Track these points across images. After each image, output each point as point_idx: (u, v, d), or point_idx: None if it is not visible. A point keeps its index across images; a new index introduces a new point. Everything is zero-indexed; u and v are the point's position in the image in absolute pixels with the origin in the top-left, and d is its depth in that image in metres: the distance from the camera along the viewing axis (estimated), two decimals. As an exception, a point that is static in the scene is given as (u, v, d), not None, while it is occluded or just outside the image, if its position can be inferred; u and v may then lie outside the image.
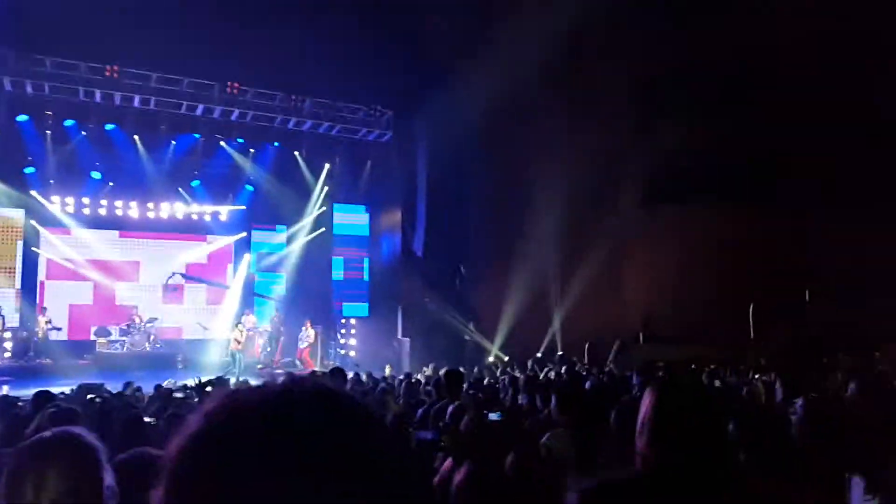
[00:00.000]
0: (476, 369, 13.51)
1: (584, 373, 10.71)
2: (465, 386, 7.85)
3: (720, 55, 13.61)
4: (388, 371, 14.18)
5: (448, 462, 2.91)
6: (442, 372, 11.44)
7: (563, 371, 11.27)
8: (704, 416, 1.70)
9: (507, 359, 14.48)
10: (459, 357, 16.11)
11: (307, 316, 17.40)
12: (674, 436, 1.63)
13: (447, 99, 15.07)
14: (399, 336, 17.85)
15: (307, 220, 18.92)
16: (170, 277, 17.81)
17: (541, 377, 9.20)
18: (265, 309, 18.45)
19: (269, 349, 17.42)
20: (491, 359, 15.24)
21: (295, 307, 18.27)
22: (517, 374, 11.61)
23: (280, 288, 19.17)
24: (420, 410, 6.56)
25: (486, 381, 10.05)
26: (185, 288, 18.51)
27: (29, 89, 14.81)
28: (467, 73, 14.59)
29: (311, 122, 17.34)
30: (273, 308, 18.28)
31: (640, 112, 14.73)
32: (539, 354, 13.34)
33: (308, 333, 17.07)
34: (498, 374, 12.60)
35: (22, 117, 15.70)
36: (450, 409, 3.52)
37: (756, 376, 8.39)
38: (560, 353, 13.04)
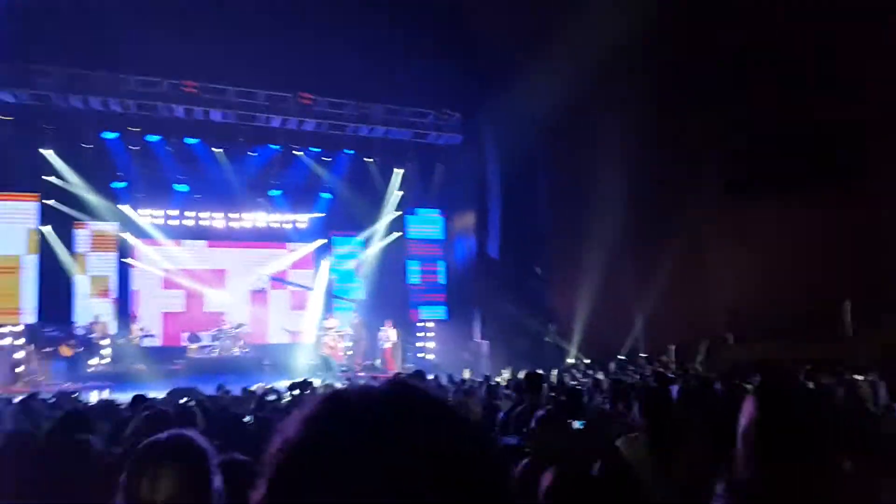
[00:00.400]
0: (556, 372, 13.31)
1: (671, 375, 10.37)
2: (545, 388, 7.72)
3: (810, 27, 12.78)
4: (466, 374, 14.16)
5: (525, 465, 2.83)
6: (521, 374, 11.38)
7: (648, 374, 10.95)
8: (813, 425, 1.56)
9: (587, 361, 14.17)
10: (538, 359, 15.89)
11: (386, 318, 17.67)
12: (781, 447, 1.51)
13: (514, 98, 14.93)
14: (477, 339, 17.80)
15: (382, 226, 19.19)
16: (259, 280, 18.29)
17: (626, 381, 8.93)
18: (344, 313, 18.78)
19: (350, 353, 17.75)
20: (571, 361, 14.97)
21: (373, 311, 18.55)
22: (599, 376, 11.37)
23: (358, 292, 19.50)
24: (502, 414, 6.49)
25: (567, 384, 9.86)
26: (269, 294, 19.10)
27: (115, 107, 15.54)
28: (533, 71, 14.39)
29: (383, 128, 17.53)
30: (353, 312, 18.58)
31: (722, 97, 14.08)
32: (621, 356, 12.98)
33: (389, 334, 17.32)
34: (579, 376, 12.38)
35: (109, 134, 16.52)
36: (537, 414, 3.43)
37: (856, 377, 7.88)
38: (644, 354, 12.63)
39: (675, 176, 14.84)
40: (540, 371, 8.06)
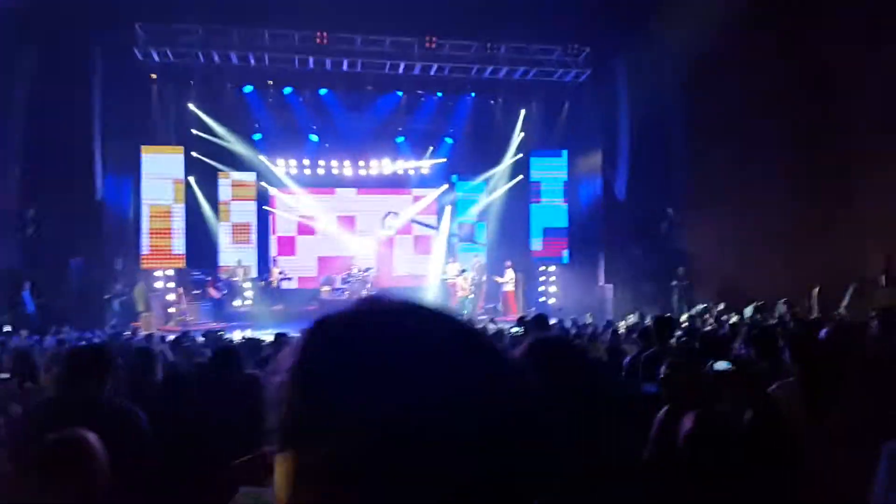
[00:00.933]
0: (686, 316, 12.86)
1: (812, 319, 9.71)
2: (677, 334, 7.48)
3: None
4: (588, 318, 13.98)
5: (663, 412, 2.74)
6: (648, 319, 11.08)
7: (788, 318, 10.33)
8: None
9: (721, 306, 13.53)
10: (666, 304, 15.44)
11: (507, 261, 17.74)
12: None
13: (647, 33, 14.14)
14: (601, 283, 17.46)
15: (505, 168, 19.06)
16: (385, 217, 18.65)
17: (765, 325, 8.46)
18: (467, 255, 19.00)
19: (472, 296, 18.01)
20: (701, 306, 14.36)
21: (495, 254, 18.66)
22: (733, 320, 10.86)
23: (481, 236, 19.63)
24: (627, 359, 6.36)
25: (699, 329, 9.49)
26: (395, 239, 19.66)
27: (251, 61, 16.24)
28: (667, 3, 13.54)
29: (507, 68, 17.14)
30: (474, 255, 18.75)
31: (871, 23, 12.63)
32: (760, 302, 12.25)
33: (509, 276, 17.42)
34: (711, 322, 11.89)
35: (247, 88, 17.38)
36: (668, 359, 3.31)
37: None
38: (784, 300, 11.85)
39: (825, 116, 13.59)
40: (669, 315, 7.80)
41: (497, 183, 19.22)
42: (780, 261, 13.99)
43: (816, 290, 12.70)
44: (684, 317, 12.77)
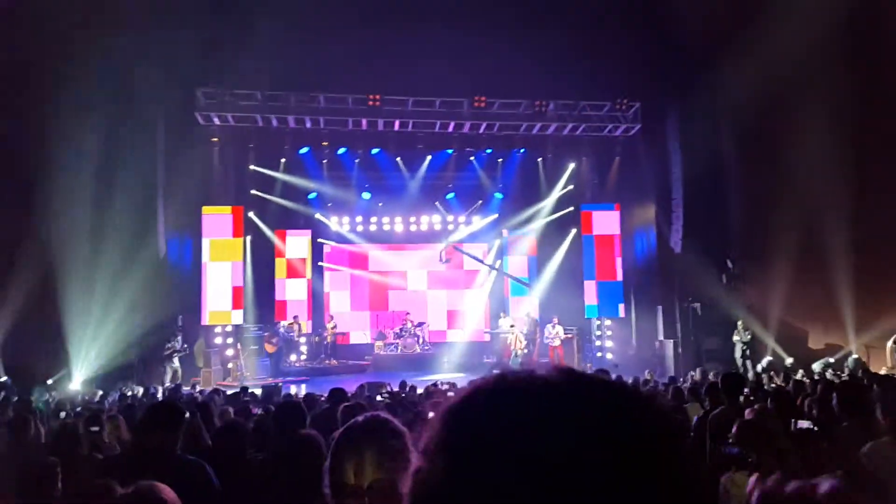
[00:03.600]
0: (751, 374, 12.39)
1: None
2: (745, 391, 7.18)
3: None
4: (647, 375, 13.58)
5: (755, 478, 2.59)
6: (711, 375, 10.69)
7: (860, 373, 9.84)
8: None
9: (789, 361, 13.00)
10: (730, 360, 14.91)
11: (558, 316, 17.53)
12: None
13: (698, 85, 14.11)
14: (660, 338, 17.03)
15: (553, 221, 19.06)
16: (443, 249, 18.48)
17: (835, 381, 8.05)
18: (519, 310, 18.84)
19: (525, 350, 17.77)
20: (766, 361, 13.83)
21: (547, 308, 18.44)
22: (798, 376, 10.41)
23: (532, 290, 19.48)
24: (696, 418, 6.11)
25: (765, 386, 9.11)
26: (447, 294, 19.69)
27: (307, 124, 16.83)
28: (720, 57, 13.52)
29: (556, 124, 17.34)
30: (526, 314, 18.55)
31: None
32: (831, 359, 11.73)
33: (556, 331, 17.14)
34: (779, 379, 11.42)
35: (303, 149, 17.96)
36: (743, 418, 3.16)
37: None
38: (855, 355, 11.34)
39: (882, 174, 13.25)
40: (736, 372, 7.50)
41: (547, 236, 19.19)
42: (847, 315, 13.46)
43: (892, 341, 12.13)
44: (750, 373, 12.31)
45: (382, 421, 1.81)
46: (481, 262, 19.24)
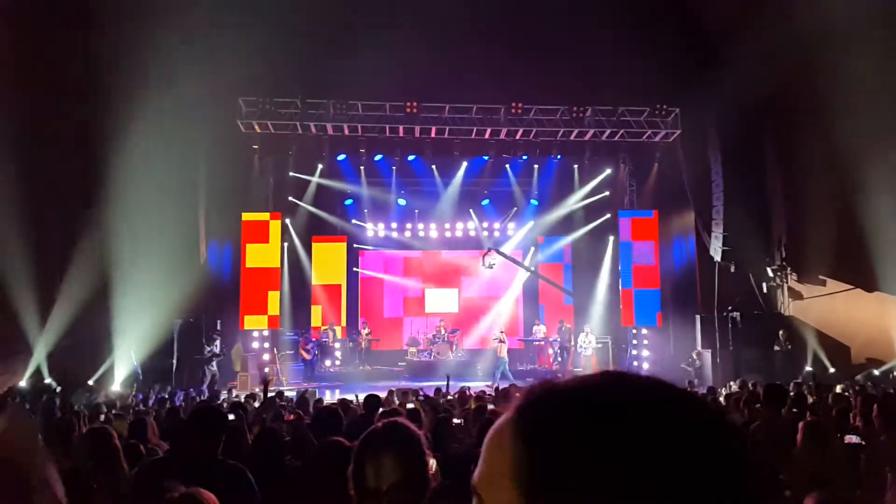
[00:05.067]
0: (792, 384, 12.08)
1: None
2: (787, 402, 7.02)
3: None
4: (686, 385, 13.37)
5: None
6: (752, 385, 10.47)
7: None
8: None
9: (831, 370, 12.68)
10: (770, 371, 14.58)
11: (595, 325, 17.38)
12: None
13: (737, 88, 13.84)
14: (698, 348, 16.73)
15: (590, 228, 18.92)
16: (486, 254, 18.11)
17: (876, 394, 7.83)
18: (554, 312, 18.74)
19: (560, 359, 17.66)
20: (808, 369, 13.50)
21: (583, 317, 18.29)
22: (837, 389, 10.14)
23: (569, 298, 19.33)
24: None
25: (809, 399, 8.89)
26: (481, 301, 19.65)
27: (346, 132, 17.00)
28: (754, 56, 13.25)
29: (593, 130, 17.20)
30: (561, 322, 18.41)
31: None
32: (876, 371, 11.41)
33: (589, 340, 17.00)
34: (820, 391, 11.13)
35: (340, 156, 18.14)
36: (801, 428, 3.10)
37: None
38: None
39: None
40: (780, 384, 7.33)
41: (584, 244, 19.06)
42: (889, 322, 13.07)
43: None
44: (791, 385, 12.01)
45: (400, 427, 1.92)
46: (524, 266, 19.02)
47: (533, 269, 19.04)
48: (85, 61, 12.95)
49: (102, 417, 8.34)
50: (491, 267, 17.81)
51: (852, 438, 3.19)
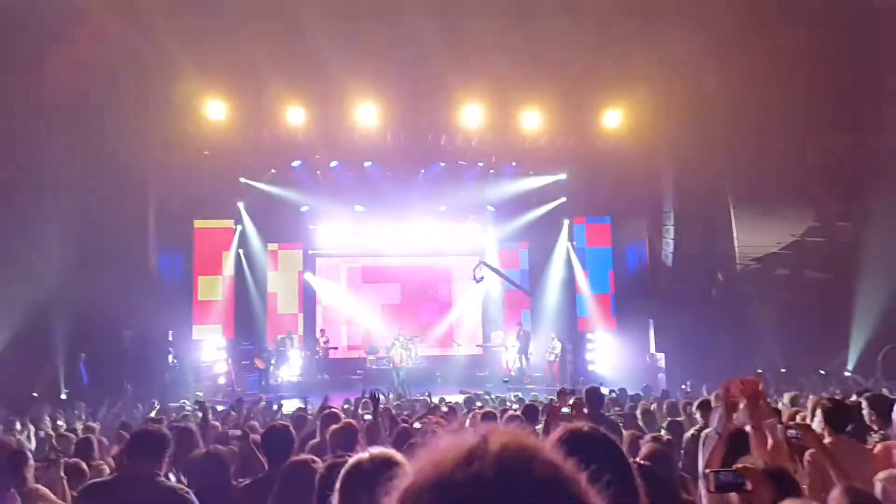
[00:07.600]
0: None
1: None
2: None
3: None
4: (640, 389, 13.51)
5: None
6: (704, 389, 10.66)
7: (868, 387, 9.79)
8: None
9: (783, 371, 13.00)
10: (720, 374, 14.86)
11: (551, 330, 17.53)
12: None
13: (684, 90, 14.09)
14: (652, 351, 17.02)
15: (545, 234, 19.09)
16: (477, 267, 18.06)
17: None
18: (510, 320, 18.86)
19: (518, 365, 17.73)
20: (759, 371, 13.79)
21: (540, 322, 18.42)
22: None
23: (525, 303, 19.46)
24: (686, 436, 6.00)
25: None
26: (440, 309, 19.62)
27: (300, 136, 16.69)
28: (695, 59, 13.54)
29: (547, 135, 17.22)
30: (518, 325, 18.51)
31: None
32: (849, 371, 11.64)
33: (554, 346, 17.18)
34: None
35: (295, 162, 17.81)
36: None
37: None
38: (848, 368, 11.32)
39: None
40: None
41: (540, 250, 19.21)
42: (860, 328, 13.42)
43: (882, 353, 12.13)
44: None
45: (387, 458, 1.84)
46: (511, 280, 19.04)
47: (524, 287, 19.15)
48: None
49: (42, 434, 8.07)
50: (480, 280, 17.90)
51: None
